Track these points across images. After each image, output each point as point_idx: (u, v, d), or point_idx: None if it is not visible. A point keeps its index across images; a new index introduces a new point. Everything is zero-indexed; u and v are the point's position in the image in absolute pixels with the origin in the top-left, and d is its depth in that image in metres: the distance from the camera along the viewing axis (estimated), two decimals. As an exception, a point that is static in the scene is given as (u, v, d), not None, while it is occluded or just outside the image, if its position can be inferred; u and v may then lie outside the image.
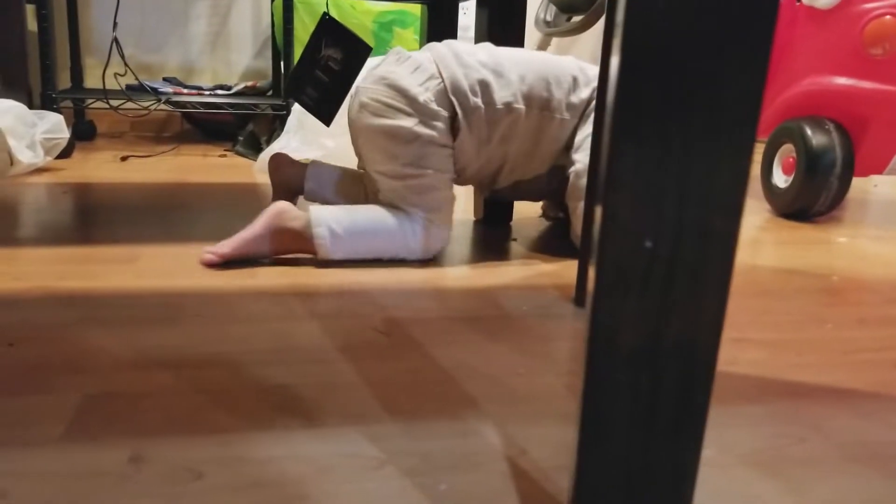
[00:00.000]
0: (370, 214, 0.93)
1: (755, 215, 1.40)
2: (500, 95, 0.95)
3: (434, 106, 0.93)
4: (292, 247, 0.90)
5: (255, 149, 1.78)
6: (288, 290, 0.79)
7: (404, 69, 0.95)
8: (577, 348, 0.68)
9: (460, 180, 1.03)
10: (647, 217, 0.27)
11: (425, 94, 0.93)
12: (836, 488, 0.46)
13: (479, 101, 0.94)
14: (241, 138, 1.85)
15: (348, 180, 1.06)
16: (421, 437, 0.49)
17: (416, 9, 2.03)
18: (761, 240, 1.19)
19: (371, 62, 1.09)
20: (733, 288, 0.91)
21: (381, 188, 0.95)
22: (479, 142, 0.97)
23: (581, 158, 0.99)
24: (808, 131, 1.31)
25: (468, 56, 0.96)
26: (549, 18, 2.15)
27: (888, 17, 1.24)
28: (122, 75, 1.65)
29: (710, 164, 0.27)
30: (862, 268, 1.03)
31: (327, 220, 0.90)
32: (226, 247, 0.88)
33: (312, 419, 0.51)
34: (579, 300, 0.80)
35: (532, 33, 2.18)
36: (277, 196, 1.05)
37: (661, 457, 0.30)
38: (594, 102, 1.02)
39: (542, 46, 2.51)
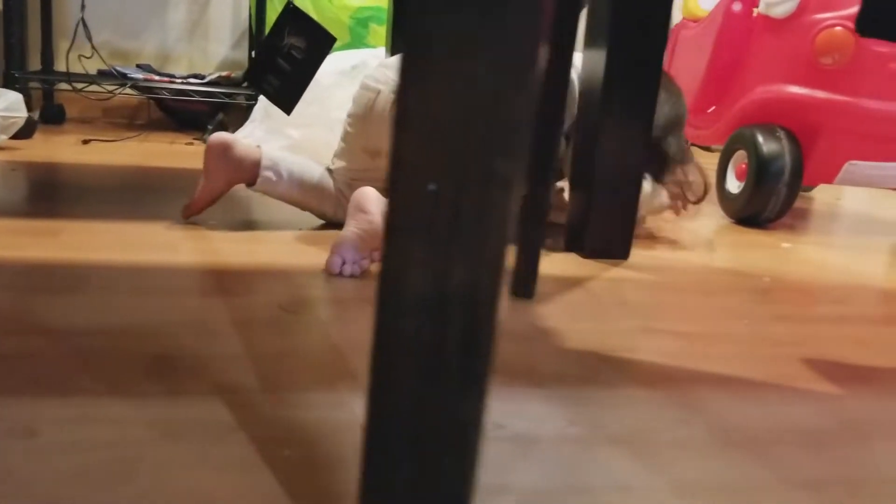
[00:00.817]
0: (313, 171, 1.01)
1: (709, 219, 1.41)
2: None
3: None
4: (233, 171, 0.97)
5: (222, 138, 1.78)
6: (206, 267, 0.80)
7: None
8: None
9: None
10: (430, 159, 0.28)
11: None
12: (701, 470, 0.46)
13: None
14: (210, 127, 1.85)
15: (312, 173, 1.05)
16: (287, 407, 0.49)
17: (392, 6, 2.03)
18: (709, 242, 1.20)
19: (388, 60, 1.09)
20: (661, 283, 0.92)
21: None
22: None
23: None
24: (760, 138, 1.32)
25: None
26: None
27: (839, 27, 1.25)
28: (87, 57, 1.65)
29: (491, 107, 0.27)
30: (797, 271, 1.04)
31: (277, 161, 0.99)
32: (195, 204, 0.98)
33: (177, 387, 0.51)
34: (515, 290, 0.80)
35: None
36: (212, 184, 0.99)
37: (446, 406, 0.30)
38: None
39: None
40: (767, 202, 1.32)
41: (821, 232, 1.45)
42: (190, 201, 0.99)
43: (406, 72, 0.27)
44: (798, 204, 1.79)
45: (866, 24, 0.71)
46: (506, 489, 0.42)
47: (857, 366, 0.68)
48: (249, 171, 0.98)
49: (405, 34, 0.27)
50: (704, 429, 0.52)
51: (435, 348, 0.30)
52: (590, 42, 1.00)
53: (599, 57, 0.96)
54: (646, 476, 0.45)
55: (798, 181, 1.31)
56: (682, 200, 1.16)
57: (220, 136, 0.97)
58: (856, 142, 1.32)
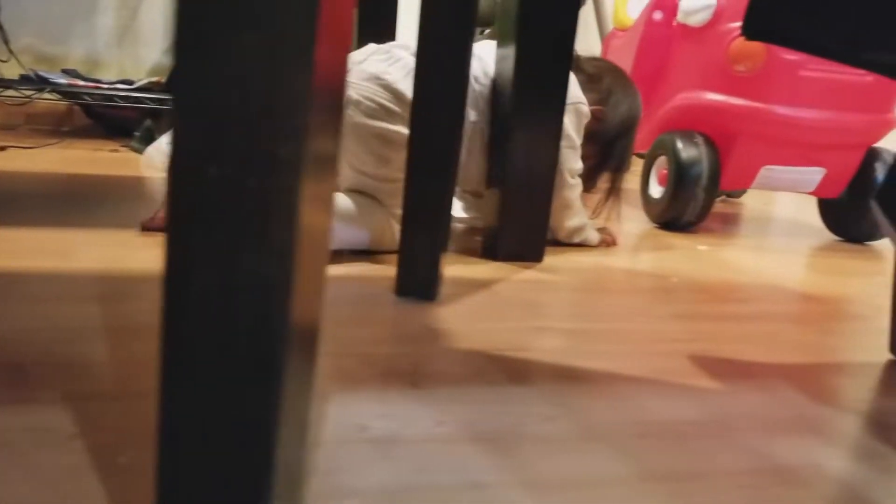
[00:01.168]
0: (351, 204, 0.91)
1: (633, 223, 1.43)
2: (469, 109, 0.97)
3: None
4: None
5: (150, 144, 1.75)
6: (102, 273, 0.77)
7: (398, 71, 0.93)
8: (359, 336, 0.68)
9: None
10: (211, 141, 0.27)
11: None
12: (557, 465, 0.46)
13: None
14: (137, 134, 1.81)
15: None
16: (133, 414, 0.47)
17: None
18: (628, 245, 1.21)
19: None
20: (567, 284, 0.92)
21: (356, 183, 0.94)
22: (467, 153, 0.99)
23: None
24: (679, 144, 1.34)
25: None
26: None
27: (751, 35, 1.28)
28: (4, 61, 1.60)
29: (270, 87, 0.27)
30: (707, 272, 1.06)
31: None
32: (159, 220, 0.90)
33: (21, 395, 0.48)
34: (400, 289, 0.79)
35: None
36: None
37: (240, 404, 0.29)
38: None
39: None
40: (687, 206, 1.34)
41: (741, 235, 1.48)
42: (154, 214, 0.92)
43: (180, 50, 0.26)
44: (726, 209, 1.83)
45: (752, 29, 0.72)
46: (353, 492, 0.41)
47: (741, 361, 0.69)
48: None
49: (175, 10, 0.26)
50: (570, 425, 0.51)
51: (225, 343, 0.29)
52: (500, 42, 1.01)
53: (509, 60, 0.97)
54: (500, 473, 0.44)
55: (715, 186, 1.33)
56: (612, 240, 1.17)
57: None
58: (770, 147, 1.35)
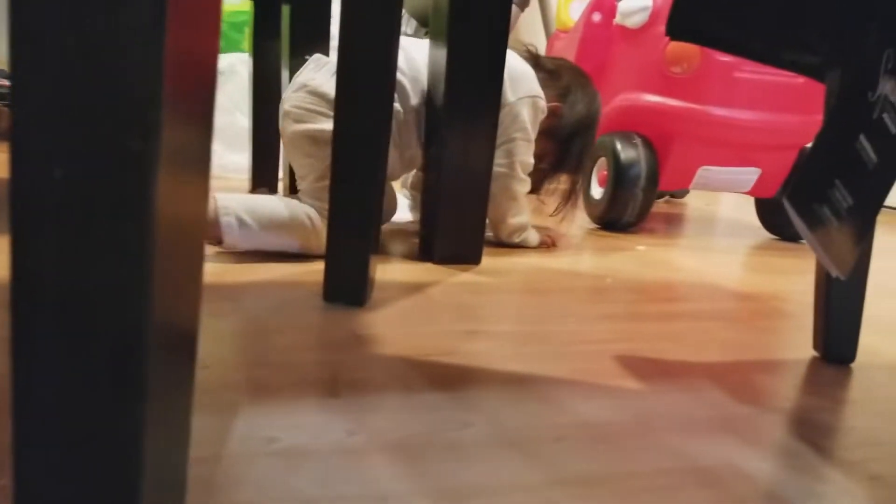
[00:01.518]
0: (278, 206, 0.92)
1: (574, 224, 1.44)
2: (414, 99, 0.99)
3: None
4: None
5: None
6: None
7: (323, 75, 0.95)
8: (289, 342, 0.66)
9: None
10: (54, 140, 0.25)
11: None
12: (469, 472, 0.45)
13: (397, 105, 0.96)
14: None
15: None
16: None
17: (268, 13, 1.99)
18: (569, 246, 1.21)
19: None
20: (502, 286, 0.91)
21: (304, 190, 0.95)
22: (397, 145, 0.99)
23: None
24: (618, 146, 1.35)
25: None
26: (409, 32, 2.17)
27: (686, 37, 1.29)
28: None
29: (116, 77, 0.25)
30: (643, 271, 1.06)
31: (235, 208, 0.88)
32: None
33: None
34: (328, 294, 0.78)
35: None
36: None
37: (98, 421, 0.27)
38: (513, 109, 1.06)
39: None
40: (627, 207, 1.35)
41: (682, 236, 1.50)
42: None
43: (16, 39, 0.24)
44: (669, 209, 1.86)
45: (676, 28, 0.72)
46: (251, 505, 0.39)
47: (666, 361, 0.69)
48: (209, 228, 0.87)
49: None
50: (486, 430, 0.50)
51: (80, 358, 0.27)
52: (433, 40, 1.00)
53: (441, 60, 0.96)
54: (408, 483, 0.43)
55: (654, 186, 1.35)
56: (552, 241, 1.17)
57: None
58: (707, 148, 1.37)
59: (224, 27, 1.97)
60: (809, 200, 0.53)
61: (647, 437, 0.52)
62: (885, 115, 0.58)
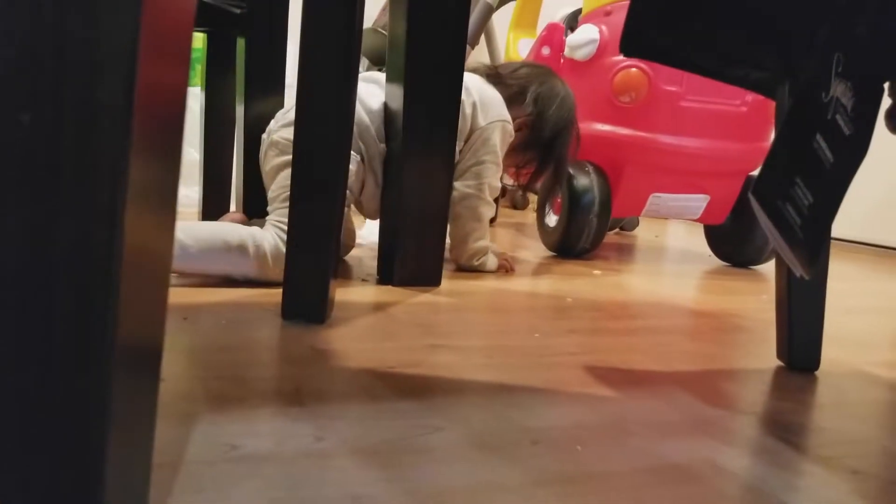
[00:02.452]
0: (224, 228, 0.89)
1: (530, 252, 1.44)
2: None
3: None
4: None
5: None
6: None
7: None
8: (244, 357, 0.63)
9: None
10: (20, 84, 0.23)
11: None
12: (443, 475, 0.43)
13: (383, 145, 0.99)
14: None
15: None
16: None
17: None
18: (525, 271, 1.20)
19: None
20: (464, 306, 0.90)
21: (273, 209, 0.94)
22: (377, 184, 1.01)
23: (459, 186, 1.07)
24: (572, 174, 1.36)
25: (370, 98, 1.00)
26: (361, 70, 2.19)
27: (634, 69, 1.33)
28: None
29: (87, 21, 0.23)
30: (601, 293, 1.06)
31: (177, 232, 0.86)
32: None
33: None
34: (287, 313, 0.75)
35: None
36: None
37: (58, 395, 0.24)
38: (483, 133, 1.08)
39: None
40: (581, 234, 1.36)
41: (635, 262, 1.51)
42: None
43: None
44: (620, 240, 1.88)
45: (628, 46, 0.74)
46: (213, 511, 0.36)
47: (636, 370, 0.68)
48: None
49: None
50: (459, 435, 0.48)
51: (40, 325, 0.24)
52: (389, 77, 1.00)
53: (399, 92, 0.96)
54: (383, 485, 0.40)
55: (607, 213, 1.36)
56: (510, 266, 1.17)
57: None
58: (657, 175, 1.39)
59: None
60: (773, 197, 0.54)
61: (623, 438, 0.51)
62: (837, 117, 0.59)
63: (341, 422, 0.49)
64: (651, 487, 0.44)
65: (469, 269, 1.12)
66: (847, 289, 1.36)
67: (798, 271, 0.60)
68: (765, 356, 0.77)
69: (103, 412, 0.25)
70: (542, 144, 1.20)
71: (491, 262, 1.14)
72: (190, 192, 1.68)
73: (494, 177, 1.10)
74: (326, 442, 0.46)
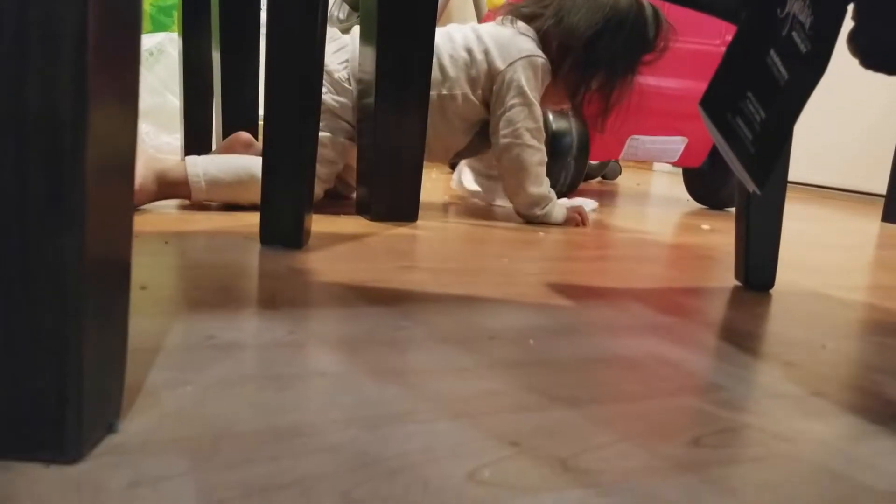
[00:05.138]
0: (247, 162, 0.95)
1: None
2: (446, 87, 1.05)
3: (346, 84, 1.03)
4: (168, 191, 0.93)
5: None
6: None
7: (330, 48, 1.01)
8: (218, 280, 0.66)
9: None
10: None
11: (341, 72, 1.03)
12: (404, 359, 0.46)
13: (433, 93, 1.01)
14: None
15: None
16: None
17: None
18: (501, 213, 1.23)
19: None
20: (438, 237, 0.93)
21: None
22: (438, 132, 1.04)
23: (496, 140, 1.07)
24: (551, 117, 1.38)
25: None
26: (341, 17, 2.18)
27: (612, 9, 1.34)
28: None
29: None
30: (574, 230, 1.10)
31: (203, 163, 0.93)
32: None
33: None
34: (265, 238, 0.78)
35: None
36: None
37: (38, 251, 0.27)
38: (505, 76, 1.05)
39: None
40: (559, 176, 1.39)
41: (614, 206, 1.54)
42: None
43: None
44: (603, 188, 1.91)
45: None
46: (190, 382, 0.40)
47: (597, 287, 0.72)
48: (182, 188, 0.93)
49: None
50: (423, 332, 0.52)
51: (17, 195, 0.27)
52: (362, 20, 1.01)
53: (371, 53, 0.97)
54: (348, 365, 0.44)
55: (585, 156, 1.39)
56: (582, 219, 1.12)
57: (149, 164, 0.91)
58: (634, 116, 1.41)
59: (152, 10, 1.94)
60: (723, 109, 0.56)
61: (575, 336, 0.55)
62: (794, 34, 0.62)
63: (314, 321, 0.53)
64: (595, 371, 0.47)
65: (534, 222, 1.08)
66: (821, 229, 1.40)
67: (750, 186, 0.63)
68: (724, 279, 0.81)
69: (76, 252, 0.28)
70: (579, 58, 1.08)
71: (557, 212, 1.08)
72: (171, 139, 1.69)
73: (529, 118, 1.05)
74: (298, 335, 0.49)
